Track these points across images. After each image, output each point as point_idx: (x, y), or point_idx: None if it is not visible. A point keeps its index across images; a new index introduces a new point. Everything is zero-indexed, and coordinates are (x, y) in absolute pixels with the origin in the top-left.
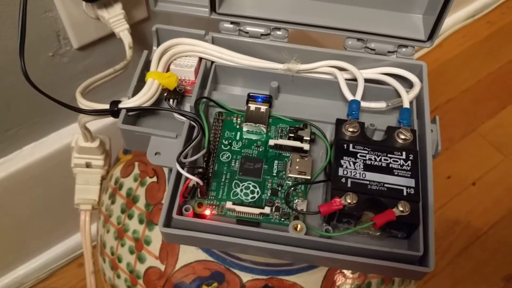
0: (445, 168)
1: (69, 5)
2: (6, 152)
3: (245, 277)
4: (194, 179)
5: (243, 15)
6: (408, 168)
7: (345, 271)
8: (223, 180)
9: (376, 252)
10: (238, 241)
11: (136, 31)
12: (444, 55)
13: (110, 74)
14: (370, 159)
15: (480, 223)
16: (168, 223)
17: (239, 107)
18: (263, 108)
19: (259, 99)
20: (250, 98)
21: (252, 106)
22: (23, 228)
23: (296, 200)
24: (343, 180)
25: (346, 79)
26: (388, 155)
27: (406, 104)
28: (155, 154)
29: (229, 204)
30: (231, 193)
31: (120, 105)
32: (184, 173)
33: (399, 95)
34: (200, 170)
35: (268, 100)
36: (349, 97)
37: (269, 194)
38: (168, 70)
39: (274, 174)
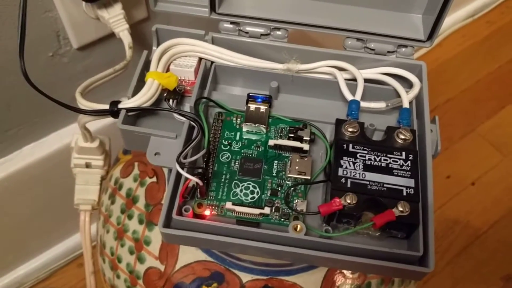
0: (445, 168)
1: (69, 5)
2: (6, 152)
3: (245, 277)
4: (193, 180)
5: (243, 15)
6: (408, 168)
7: (344, 271)
8: (222, 180)
9: (376, 252)
10: (237, 242)
11: (136, 31)
12: (444, 54)
13: (110, 74)
14: (369, 159)
15: (479, 223)
16: (167, 223)
17: (239, 107)
18: (263, 108)
19: (259, 99)
20: (250, 98)
21: (252, 106)
22: (23, 228)
23: (296, 201)
24: (343, 180)
25: (345, 79)
26: (388, 155)
27: (406, 104)
28: (155, 154)
29: (228, 205)
30: (231, 193)
31: (120, 105)
32: (184, 173)
33: (398, 95)
34: (200, 170)
35: (267, 100)
36: (349, 97)
37: (269, 195)
38: (168, 70)
39: (274, 174)
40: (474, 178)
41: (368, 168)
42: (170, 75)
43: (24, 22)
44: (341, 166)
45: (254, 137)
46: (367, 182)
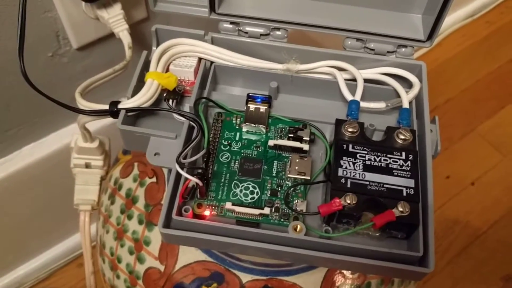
0: (444, 168)
1: (69, 5)
2: (5, 152)
3: (245, 277)
4: (193, 180)
5: (242, 15)
6: (408, 168)
7: (344, 272)
8: (222, 180)
9: (376, 252)
10: (237, 242)
11: (136, 31)
12: (443, 54)
13: (109, 75)
14: (369, 160)
15: (479, 222)
16: (167, 223)
17: (239, 108)
18: (263, 108)
19: (259, 100)
20: (250, 98)
21: (252, 107)
22: (23, 228)
23: (296, 201)
24: (343, 180)
25: (345, 79)
26: (388, 156)
27: (406, 104)
28: (155, 154)
29: (228, 205)
30: (231, 193)
31: (120, 106)
32: (184, 173)
33: (398, 95)
34: (200, 170)
35: (267, 100)
36: (349, 97)
37: (268, 195)
38: (167, 70)
39: (274, 174)
40: (473, 178)
41: (368, 168)
42: (169, 75)
43: (23, 22)
44: (341, 166)
45: (253, 137)
46: (367, 183)
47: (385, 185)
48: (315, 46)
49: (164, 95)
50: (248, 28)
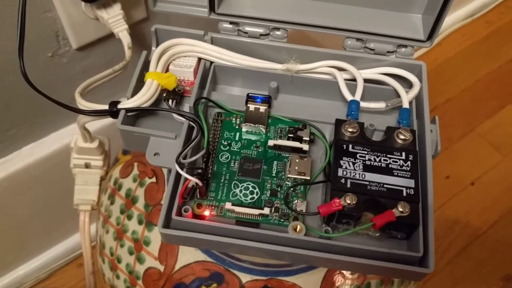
0: (444, 168)
1: (68, 5)
2: (5, 152)
3: (244, 277)
4: (193, 180)
5: (242, 15)
6: (408, 168)
7: (344, 272)
8: (222, 180)
9: (376, 253)
10: (237, 242)
11: (135, 31)
12: (443, 54)
13: (109, 75)
14: (369, 160)
15: (479, 222)
16: (167, 224)
17: (238, 108)
18: (262, 108)
19: (258, 100)
20: (249, 98)
21: (251, 107)
22: (23, 228)
23: (296, 201)
24: (343, 180)
25: (345, 79)
26: (388, 156)
27: (406, 104)
28: (154, 154)
29: (228, 205)
30: (230, 193)
31: (119, 106)
32: (183, 173)
33: (398, 95)
34: (199, 170)
35: (267, 100)
36: (349, 97)
37: (268, 195)
38: (167, 70)
39: (274, 174)
40: (473, 178)
41: (368, 168)
42: (169, 75)
43: (23, 22)
44: (341, 166)
45: (253, 138)
46: (367, 183)
47: (385, 185)
48: (315, 46)
49: (164, 95)
50: (247, 28)
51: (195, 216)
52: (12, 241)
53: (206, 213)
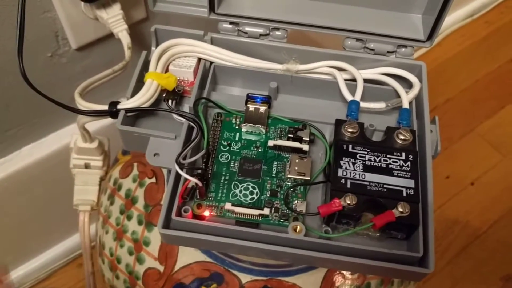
0: (444, 168)
1: (68, 5)
2: (5, 152)
3: (244, 278)
4: (193, 180)
5: (242, 15)
6: (408, 168)
7: (344, 272)
8: (222, 181)
9: (376, 253)
10: (237, 242)
11: (135, 31)
12: (443, 54)
13: (108, 75)
14: (369, 160)
15: (479, 222)
16: (167, 224)
17: (238, 108)
18: (262, 108)
19: (258, 100)
20: (249, 98)
21: (251, 107)
22: (23, 228)
23: (296, 201)
24: (343, 181)
25: (345, 80)
26: (388, 156)
27: (406, 105)
28: (154, 155)
29: (228, 205)
30: (230, 194)
31: (119, 106)
32: (183, 174)
33: (398, 96)
34: (199, 171)
35: (267, 100)
36: (349, 97)
37: (268, 195)
38: (167, 70)
39: (273, 175)
40: (473, 178)
41: (367, 168)
42: (169, 75)
43: (22, 23)
44: (341, 166)
45: (253, 138)
46: (367, 183)
47: (385, 186)
48: (315, 46)
49: (164, 95)
50: (247, 28)
51: (195, 216)
52: (12, 241)
53: (206, 213)
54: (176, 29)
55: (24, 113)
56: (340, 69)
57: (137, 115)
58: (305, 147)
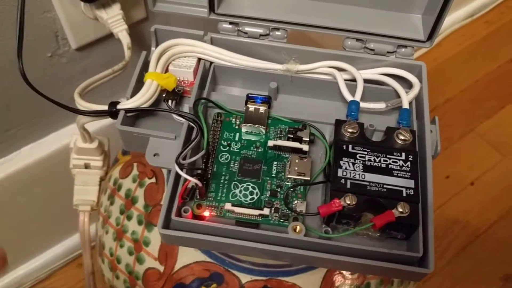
0: (444, 168)
1: (67, 5)
2: (5, 152)
3: (244, 278)
4: (193, 181)
5: (242, 16)
6: (408, 169)
7: (344, 272)
8: (222, 181)
9: (376, 253)
10: (237, 243)
11: (135, 31)
12: (443, 54)
13: (108, 75)
14: (369, 160)
15: (478, 222)
16: (167, 224)
17: (238, 108)
18: (262, 109)
19: (258, 100)
20: (249, 99)
21: (251, 107)
22: (23, 228)
23: (295, 201)
24: (343, 181)
25: (345, 80)
26: (388, 156)
27: (406, 105)
28: (154, 155)
29: (228, 206)
30: (230, 194)
31: (119, 106)
32: (183, 174)
33: (398, 96)
34: (199, 171)
35: (267, 101)
36: (348, 97)
37: (268, 195)
38: (166, 70)
39: (273, 175)
40: (473, 178)
41: (367, 169)
42: (169, 75)
43: (22, 23)
44: (341, 167)
45: (253, 138)
46: (367, 183)
47: (384, 186)
48: (315, 47)
49: (164, 95)
50: (247, 28)
51: (195, 216)
52: (12, 241)
53: (206, 213)
54: (176, 29)
55: (24, 113)
56: (340, 69)
57: (137, 115)
58: (305, 147)
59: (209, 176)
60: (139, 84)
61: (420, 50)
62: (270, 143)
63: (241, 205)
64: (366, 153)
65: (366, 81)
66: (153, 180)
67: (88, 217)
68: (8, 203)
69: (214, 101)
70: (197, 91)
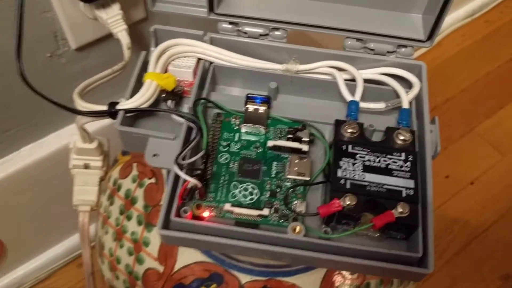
0: (444, 167)
1: (67, 5)
2: (4, 153)
3: (244, 278)
4: (192, 181)
5: (241, 15)
6: (408, 169)
7: (343, 272)
8: (221, 181)
9: (375, 253)
10: (236, 243)
11: (134, 31)
12: (443, 54)
13: (108, 75)
14: (369, 160)
15: (478, 222)
16: (166, 225)
17: (238, 108)
18: (262, 109)
19: (258, 100)
20: (249, 99)
21: (251, 107)
22: (23, 228)
23: (295, 202)
24: (342, 181)
25: (345, 80)
26: (387, 156)
27: (406, 105)
28: (153, 155)
29: (227, 206)
30: (230, 194)
31: (118, 107)
32: (182, 175)
33: (398, 96)
34: (199, 171)
35: (266, 101)
36: (348, 97)
37: (268, 196)
38: (166, 71)
39: (273, 175)
40: (473, 177)
41: (367, 169)
42: (168, 76)
43: (21, 23)
44: (340, 167)
45: (253, 138)
46: (367, 183)
47: (384, 186)
48: (315, 46)
49: (163, 96)
50: (247, 28)
51: (194, 217)
52: (12, 241)
53: (205, 214)
54: (175, 29)
55: (24, 113)
56: (340, 69)
57: (136, 115)
58: (305, 147)
59: (208, 177)
60: (139, 84)
61: (419, 50)
62: (270, 143)
63: (240, 205)
64: (365, 153)
65: (366, 81)
66: (153, 180)
67: (88, 217)
68: (8, 203)
69: (214, 101)
70: (196, 91)
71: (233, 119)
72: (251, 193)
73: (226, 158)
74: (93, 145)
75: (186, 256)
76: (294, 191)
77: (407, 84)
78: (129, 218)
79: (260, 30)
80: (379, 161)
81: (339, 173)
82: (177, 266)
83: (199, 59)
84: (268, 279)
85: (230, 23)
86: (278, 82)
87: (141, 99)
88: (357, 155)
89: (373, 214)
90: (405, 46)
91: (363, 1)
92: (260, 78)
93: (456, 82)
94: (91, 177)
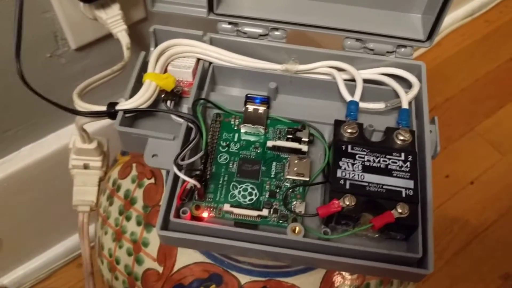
0: (443, 167)
1: (67, 5)
2: (4, 153)
3: (243, 279)
4: (191, 182)
5: (241, 16)
6: (407, 169)
7: (343, 273)
8: (220, 182)
9: (375, 254)
10: (236, 244)
11: (134, 31)
12: (442, 54)
13: (107, 75)
14: (368, 161)
15: (478, 222)
16: (165, 225)
17: (237, 108)
18: (261, 109)
19: (257, 100)
20: (248, 99)
21: (250, 107)
22: (23, 228)
23: (295, 202)
24: (342, 181)
25: (344, 80)
26: (387, 156)
27: (405, 105)
28: (152, 156)
29: (226, 207)
30: (229, 195)
31: (117, 107)
32: (182, 175)
33: (398, 96)
34: (198, 172)
35: (266, 101)
36: (348, 97)
37: (267, 196)
38: (165, 71)
39: (272, 175)
40: (473, 177)
41: (367, 169)
42: (167, 76)
43: (21, 23)
44: (340, 167)
45: (252, 139)
46: (366, 184)
47: (384, 186)
48: (314, 47)
49: (162, 96)
50: (246, 29)
51: (194, 217)
52: (12, 241)
53: (205, 214)
54: (175, 30)
55: (24, 114)
56: (340, 69)
57: (135, 116)
58: (304, 147)
59: (207, 177)
60: (138, 84)
61: (419, 50)
62: (269, 143)
63: (240, 206)
64: (365, 153)
65: (365, 81)
66: (152, 180)
67: (87, 217)
68: (8, 203)
69: (213, 102)
70: (196, 91)
71: (232, 120)
72: (250, 194)
73: (226, 159)
74: (93, 145)
75: (186, 257)
76: (293, 192)
77: (407, 84)
78: (128, 218)
79: (259, 30)
80: (378, 161)
81: (339, 173)
82: (176, 267)
83: (198, 59)
84: (268, 280)
85: (230, 23)
86: (278, 82)
87: (140, 99)
88: (357, 156)
89: (373, 215)
90: (404, 46)
91: (363, 1)
92: (260, 78)
93: (455, 82)
94: (90, 177)
